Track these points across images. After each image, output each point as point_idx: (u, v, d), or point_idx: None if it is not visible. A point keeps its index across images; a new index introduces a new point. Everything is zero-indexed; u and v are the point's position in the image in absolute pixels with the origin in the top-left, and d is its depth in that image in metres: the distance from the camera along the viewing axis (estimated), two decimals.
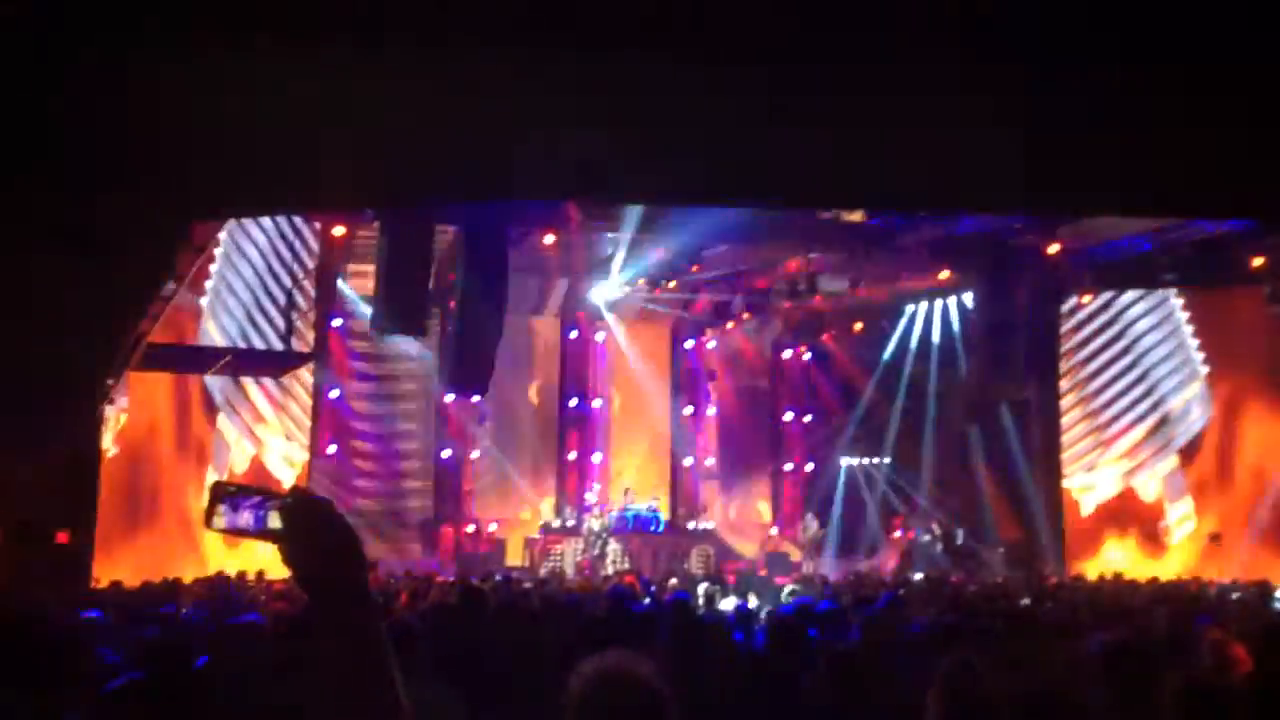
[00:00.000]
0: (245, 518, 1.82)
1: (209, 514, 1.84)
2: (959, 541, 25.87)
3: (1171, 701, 3.82)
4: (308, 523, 1.78)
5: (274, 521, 1.80)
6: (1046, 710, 3.30)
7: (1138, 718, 4.07)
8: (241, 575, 15.19)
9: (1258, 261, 21.51)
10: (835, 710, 4.86)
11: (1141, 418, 24.43)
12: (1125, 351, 24.70)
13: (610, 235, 22.99)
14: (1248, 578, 17.64)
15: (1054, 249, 21.54)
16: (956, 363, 25.33)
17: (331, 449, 23.02)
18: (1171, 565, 21.98)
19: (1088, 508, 24.86)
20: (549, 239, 21.56)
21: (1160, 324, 24.37)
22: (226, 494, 1.84)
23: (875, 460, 28.52)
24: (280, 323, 20.78)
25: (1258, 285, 22.29)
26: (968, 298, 24.48)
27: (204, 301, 19.10)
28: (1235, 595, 14.68)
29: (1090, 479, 24.86)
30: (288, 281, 21.22)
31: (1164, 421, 24.21)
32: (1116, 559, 23.03)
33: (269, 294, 20.94)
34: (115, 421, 16.82)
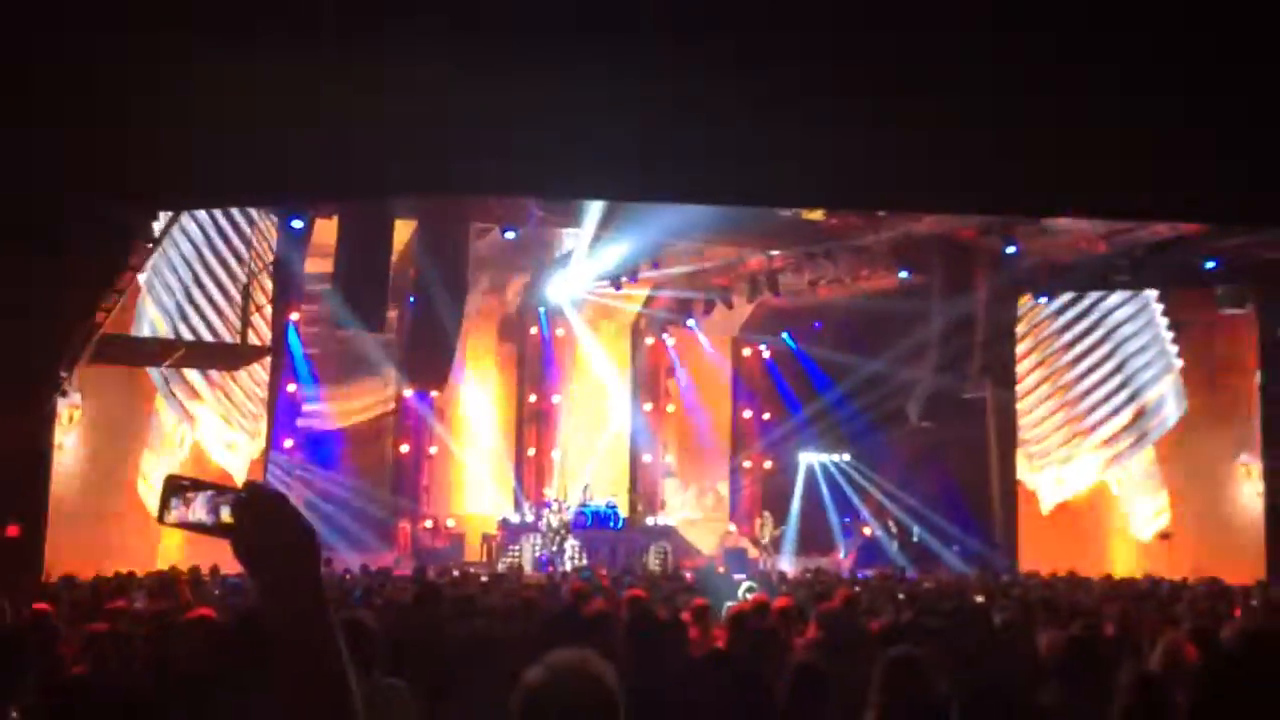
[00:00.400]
0: (198, 512, 1.80)
1: (162, 508, 1.81)
2: (915, 539, 26.10)
3: (1123, 696, 3.88)
4: (261, 517, 1.77)
5: (227, 516, 1.78)
6: (995, 706, 3.34)
7: (1089, 713, 4.12)
8: (195, 570, 15.04)
9: (1211, 264, 21.82)
10: (793, 707, 4.88)
11: (1117, 410, 24.55)
12: (1101, 343, 24.77)
13: (571, 232, 22.96)
14: (1199, 575, 17.90)
15: (1011, 250, 21.71)
16: (915, 361, 25.50)
17: (288, 443, 22.86)
18: (1146, 560, 22.06)
19: (1057, 501, 24.92)
20: (510, 235, 21.50)
21: (1136, 317, 24.46)
22: (179, 488, 1.82)
23: (833, 458, 28.69)
24: (221, 302, 20.42)
25: (1210, 287, 22.65)
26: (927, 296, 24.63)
27: (142, 278, 18.54)
28: (1186, 594, 14.87)
29: (1063, 472, 24.97)
30: (230, 259, 20.82)
31: (1140, 415, 24.35)
32: (1087, 554, 23.18)
33: (208, 270, 20.45)
34: (69, 416, 16.61)
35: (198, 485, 1.82)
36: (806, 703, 4.73)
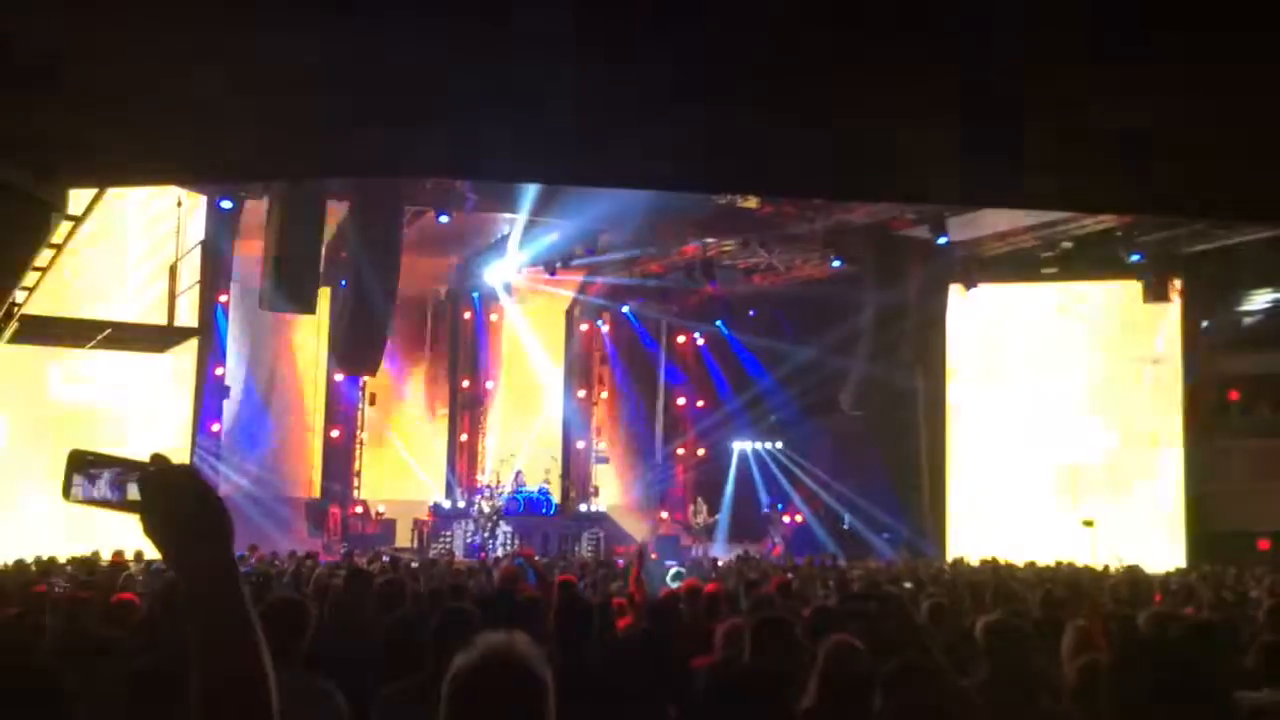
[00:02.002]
0: (103, 489, 1.73)
1: (65, 485, 1.73)
2: (845, 526, 26.34)
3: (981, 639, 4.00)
4: (167, 492, 1.71)
5: (133, 492, 1.72)
6: (916, 688, 3.37)
7: (1012, 695, 4.18)
8: (119, 554, 14.78)
9: (1135, 256, 22.22)
10: (721, 691, 4.89)
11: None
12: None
13: (506, 216, 22.83)
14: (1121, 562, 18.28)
15: (942, 240, 21.94)
16: (847, 350, 25.71)
17: (216, 427, 22.53)
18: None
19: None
20: (444, 219, 21.32)
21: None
22: (84, 464, 1.74)
23: (766, 445, 28.86)
24: (148, 282, 20.04)
25: (1135, 279, 23.10)
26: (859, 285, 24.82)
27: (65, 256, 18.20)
28: (1108, 580, 15.16)
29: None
30: (158, 239, 20.44)
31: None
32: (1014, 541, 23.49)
33: (135, 249, 20.02)
34: None
35: (103, 461, 1.75)
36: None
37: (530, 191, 20.39)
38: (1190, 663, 2.51)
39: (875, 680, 3.67)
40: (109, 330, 17.86)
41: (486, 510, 23.78)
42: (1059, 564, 18.88)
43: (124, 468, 1.73)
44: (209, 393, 22.17)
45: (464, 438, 27.30)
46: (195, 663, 1.68)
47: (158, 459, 1.74)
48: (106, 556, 14.11)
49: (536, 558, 17.48)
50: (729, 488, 28.63)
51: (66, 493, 1.73)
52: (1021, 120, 3.00)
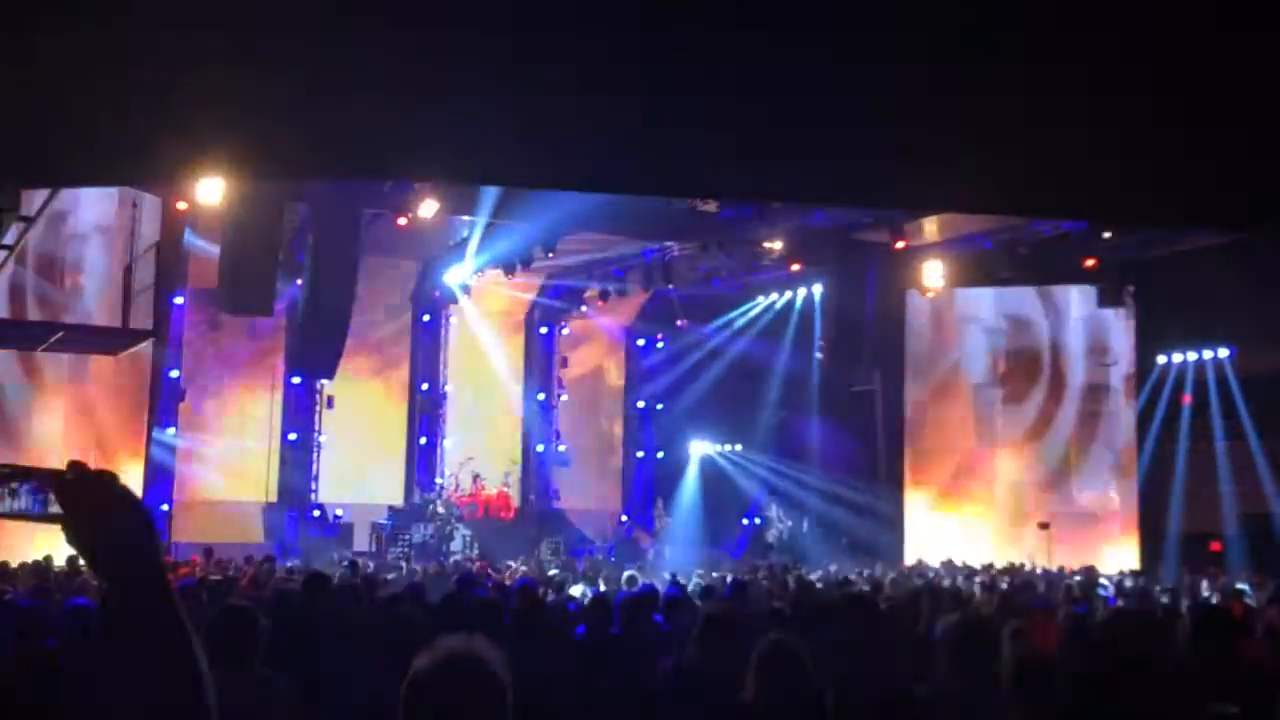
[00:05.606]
0: (23, 501, 1.70)
1: None
2: (804, 529, 26.43)
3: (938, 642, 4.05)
4: (87, 500, 1.70)
5: (54, 503, 1.70)
6: (871, 695, 3.40)
7: (971, 694, 4.21)
8: (74, 559, 14.61)
9: (1090, 262, 22.44)
10: (678, 693, 4.90)
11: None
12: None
13: (465, 219, 22.74)
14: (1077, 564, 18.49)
15: (900, 245, 22.05)
16: (806, 354, 25.83)
17: (171, 431, 22.29)
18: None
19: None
20: (402, 221, 21.21)
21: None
22: (1, 477, 1.72)
23: (725, 448, 28.92)
24: (102, 283, 19.84)
25: (1090, 285, 23.36)
26: (818, 290, 24.91)
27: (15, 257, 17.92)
28: (1065, 582, 15.34)
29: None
30: (113, 239, 20.23)
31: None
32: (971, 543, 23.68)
33: (89, 249, 19.78)
34: None
35: (20, 473, 1.72)
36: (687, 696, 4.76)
37: (490, 194, 20.31)
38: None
39: (820, 686, 3.70)
40: (61, 333, 17.66)
41: (445, 513, 23.68)
42: (1011, 565, 19.06)
43: (42, 478, 1.71)
44: (164, 395, 21.92)
45: (423, 440, 27.17)
46: (129, 667, 1.67)
47: (75, 467, 1.73)
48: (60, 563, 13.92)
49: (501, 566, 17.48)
50: (688, 490, 28.65)
51: None
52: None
